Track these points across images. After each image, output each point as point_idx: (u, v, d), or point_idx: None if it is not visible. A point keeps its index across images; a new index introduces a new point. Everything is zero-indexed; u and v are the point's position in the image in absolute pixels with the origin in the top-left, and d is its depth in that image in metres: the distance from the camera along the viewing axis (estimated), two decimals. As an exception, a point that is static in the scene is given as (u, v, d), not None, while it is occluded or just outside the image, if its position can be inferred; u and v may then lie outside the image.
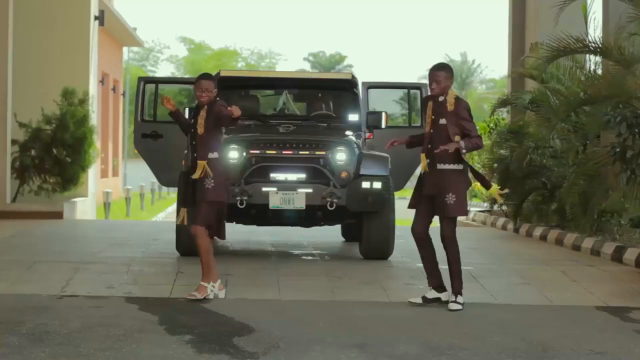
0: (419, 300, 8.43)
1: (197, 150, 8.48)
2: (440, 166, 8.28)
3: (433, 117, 8.34)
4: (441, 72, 8.36)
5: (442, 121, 8.28)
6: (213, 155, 8.47)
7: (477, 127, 8.49)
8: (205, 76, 8.69)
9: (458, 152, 8.23)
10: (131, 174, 38.52)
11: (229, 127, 8.83)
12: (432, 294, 8.45)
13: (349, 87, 12.63)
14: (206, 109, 8.49)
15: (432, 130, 8.33)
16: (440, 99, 8.33)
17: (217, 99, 8.61)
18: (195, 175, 8.42)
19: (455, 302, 8.29)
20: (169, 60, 69.97)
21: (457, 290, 8.37)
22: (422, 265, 11.13)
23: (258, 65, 67.19)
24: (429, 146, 8.33)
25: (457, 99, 8.34)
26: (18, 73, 18.71)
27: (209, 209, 8.46)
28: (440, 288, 8.46)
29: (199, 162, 8.43)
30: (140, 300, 8.40)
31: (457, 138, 8.22)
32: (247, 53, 70.27)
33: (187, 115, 11.82)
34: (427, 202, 8.41)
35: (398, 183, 12.49)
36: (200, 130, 8.47)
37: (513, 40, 19.60)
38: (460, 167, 8.31)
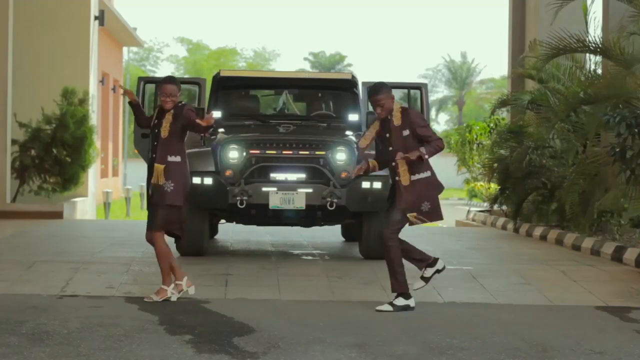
0: (423, 284, 8.40)
1: (157, 153, 8.42)
2: (412, 177, 8.25)
3: (387, 135, 8.32)
4: (380, 95, 8.30)
5: (404, 132, 8.26)
6: (175, 158, 8.39)
7: (431, 130, 8.42)
8: (170, 80, 8.61)
9: (422, 160, 8.23)
10: (131, 174, 38.53)
11: (201, 133, 8.73)
12: (429, 271, 8.40)
13: (349, 87, 12.64)
14: (172, 113, 8.42)
15: (390, 148, 8.30)
16: (388, 117, 8.34)
17: (182, 102, 8.52)
18: (153, 181, 8.37)
19: (391, 302, 8.22)
20: (169, 60, 69.97)
21: (395, 290, 8.28)
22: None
23: (261, 65, 67.15)
24: (393, 164, 8.31)
25: (404, 111, 8.31)
26: (18, 73, 18.71)
27: (167, 213, 8.40)
28: (432, 262, 8.40)
29: (156, 165, 8.36)
30: (140, 300, 8.40)
31: (398, 154, 8.21)
32: (251, 54, 70.25)
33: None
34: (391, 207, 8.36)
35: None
36: (164, 133, 8.39)
37: (513, 40, 19.60)
38: (429, 174, 8.31)
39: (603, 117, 11.05)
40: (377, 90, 8.35)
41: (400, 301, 8.21)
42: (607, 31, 13.75)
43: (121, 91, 34.79)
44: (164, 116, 8.45)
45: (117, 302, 8.33)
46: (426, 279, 8.43)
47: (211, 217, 11.78)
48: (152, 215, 8.46)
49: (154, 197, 8.44)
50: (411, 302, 8.24)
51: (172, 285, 8.46)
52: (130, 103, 8.79)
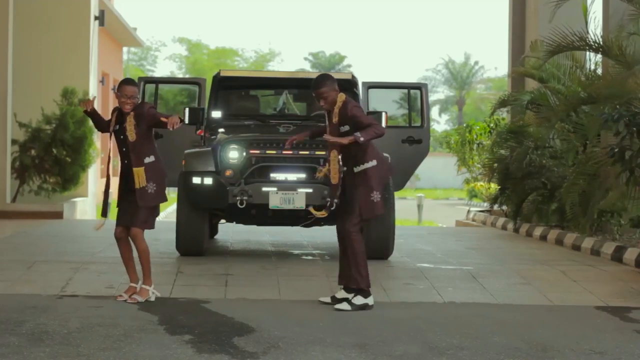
0: (328, 300, 8.34)
1: (130, 158, 8.31)
2: (356, 169, 8.22)
3: (328, 128, 8.30)
4: (323, 88, 8.23)
5: (342, 129, 8.22)
6: (150, 159, 8.34)
7: (371, 118, 8.38)
8: (130, 82, 8.41)
9: (366, 150, 8.18)
10: (131, 173, 38.43)
11: (166, 128, 8.55)
12: (342, 293, 8.36)
13: (349, 87, 12.61)
14: (134, 115, 8.29)
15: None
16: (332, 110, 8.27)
17: (143, 102, 8.40)
18: (137, 185, 8.26)
19: (349, 301, 8.17)
20: (171, 58, 69.99)
21: (357, 285, 8.24)
22: (422, 265, 11.17)
23: (263, 66, 67.16)
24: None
25: (343, 105, 8.24)
26: (18, 73, 18.72)
27: (150, 212, 8.39)
28: (349, 289, 8.34)
29: (135, 169, 8.29)
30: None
31: (325, 136, 8.21)
32: (251, 54, 70.30)
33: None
34: (345, 201, 8.32)
35: (398, 183, 12.49)
36: (131, 137, 8.28)
37: (513, 39, 19.61)
38: (375, 163, 8.24)
39: (601, 116, 11.06)
40: (319, 83, 8.27)
41: (359, 299, 8.18)
42: (607, 30, 13.75)
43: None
44: (126, 119, 8.31)
45: (117, 302, 8.32)
46: (335, 299, 8.33)
47: (211, 217, 11.78)
48: (132, 214, 8.34)
49: (135, 198, 8.31)
50: (369, 301, 8.21)
51: (153, 286, 8.45)
52: (85, 112, 8.52)
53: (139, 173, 8.30)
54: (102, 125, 8.66)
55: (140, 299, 8.31)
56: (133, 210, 8.36)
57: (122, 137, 8.36)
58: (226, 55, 66.94)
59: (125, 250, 8.51)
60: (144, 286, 8.40)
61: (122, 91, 8.30)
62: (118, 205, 8.56)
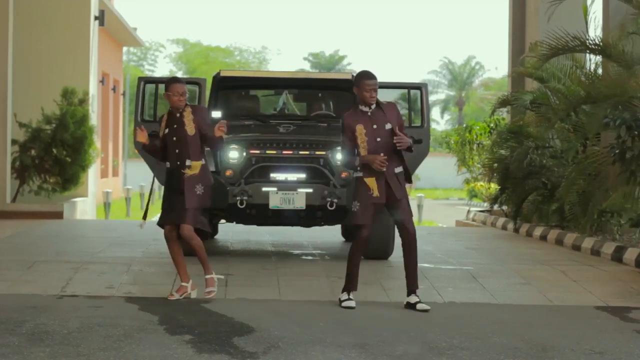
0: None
1: (189, 152, 8.36)
2: (397, 170, 8.26)
3: (375, 126, 8.15)
4: (377, 80, 8.24)
5: (388, 126, 8.18)
6: (202, 161, 8.46)
7: None
8: (178, 80, 8.54)
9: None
10: (131, 174, 38.59)
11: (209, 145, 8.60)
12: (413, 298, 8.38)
13: (349, 87, 12.62)
14: (191, 111, 8.43)
15: (378, 139, 8.14)
16: (375, 106, 8.21)
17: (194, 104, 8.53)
18: (192, 172, 8.35)
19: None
20: (170, 57, 70.01)
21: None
22: (422, 265, 11.18)
23: (261, 66, 67.18)
24: (382, 154, 8.15)
25: (394, 105, 8.30)
26: (18, 73, 18.73)
27: (197, 212, 8.46)
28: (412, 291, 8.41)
29: (193, 163, 8.37)
30: (140, 300, 8.40)
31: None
32: (251, 54, 70.28)
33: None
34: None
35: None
36: (190, 131, 8.37)
37: (513, 40, 19.60)
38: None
39: (603, 120, 11.04)
40: (374, 75, 8.27)
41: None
42: (607, 31, 13.75)
43: (121, 91, 34.03)
44: (183, 116, 8.40)
45: (117, 302, 8.33)
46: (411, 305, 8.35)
47: (211, 217, 11.77)
48: (179, 212, 8.38)
49: (181, 199, 8.36)
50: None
51: (214, 273, 8.75)
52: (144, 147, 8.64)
53: (196, 166, 8.37)
54: (156, 151, 8.67)
55: (214, 289, 8.55)
56: (180, 208, 8.39)
57: (174, 138, 8.42)
58: (226, 55, 66.96)
59: (175, 250, 8.60)
60: (208, 276, 8.59)
61: (172, 90, 8.40)
62: (163, 206, 8.59)
